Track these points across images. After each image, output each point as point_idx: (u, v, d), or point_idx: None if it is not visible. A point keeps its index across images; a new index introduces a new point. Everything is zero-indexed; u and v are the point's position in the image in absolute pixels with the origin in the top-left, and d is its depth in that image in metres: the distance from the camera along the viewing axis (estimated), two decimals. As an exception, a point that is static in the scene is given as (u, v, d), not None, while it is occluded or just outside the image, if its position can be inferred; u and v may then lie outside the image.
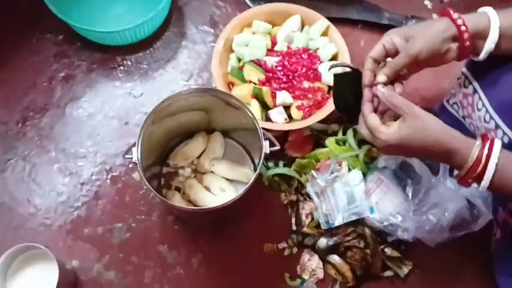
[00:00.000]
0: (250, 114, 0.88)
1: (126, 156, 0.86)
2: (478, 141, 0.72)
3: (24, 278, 0.89)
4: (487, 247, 1.00)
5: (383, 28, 1.19)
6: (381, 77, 0.77)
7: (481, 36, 0.76)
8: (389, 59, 0.80)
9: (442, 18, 0.78)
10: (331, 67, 0.85)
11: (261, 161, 0.85)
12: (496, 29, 0.75)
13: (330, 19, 1.13)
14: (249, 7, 1.20)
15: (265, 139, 0.86)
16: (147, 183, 0.82)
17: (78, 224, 1.02)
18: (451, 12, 0.77)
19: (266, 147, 0.86)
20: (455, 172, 0.79)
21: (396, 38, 0.78)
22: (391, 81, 0.79)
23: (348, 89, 0.85)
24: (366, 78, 0.79)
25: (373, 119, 0.76)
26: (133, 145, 0.84)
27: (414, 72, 0.81)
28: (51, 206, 1.03)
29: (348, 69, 0.85)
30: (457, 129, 0.76)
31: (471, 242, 0.97)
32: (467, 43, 0.76)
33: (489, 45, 0.76)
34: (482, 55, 0.78)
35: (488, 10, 0.77)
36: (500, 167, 0.70)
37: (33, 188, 1.04)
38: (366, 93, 0.79)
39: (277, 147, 0.89)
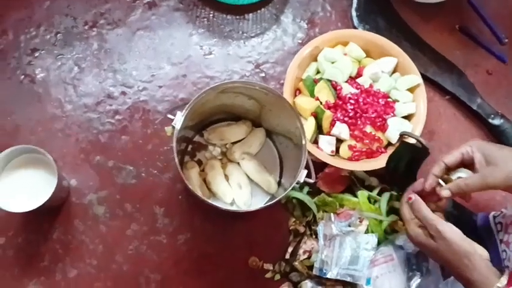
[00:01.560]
0: (301, 131, 0.83)
1: (169, 115, 0.82)
2: (501, 283, 0.67)
3: (21, 178, 0.87)
4: None
5: (468, 111, 1.13)
6: (445, 192, 0.75)
7: None
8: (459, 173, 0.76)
9: None
10: (405, 134, 0.80)
11: (292, 186, 0.81)
12: None
13: (423, 76, 1.06)
14: (353, 26, 1.14)
15: (305, 168, 0.82)
16: (176, 154, 0.79)
17: (93, 148, 1.00)
18: None
19: (302, 175, 0.82)
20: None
21: (478, 154, 0.74)
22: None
23: (407, 160, 0.81)
24: (429, 181, 0.77)
25: (406, 210, 0.77)
26: (180, 110, 0.81)
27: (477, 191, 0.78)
28: (78, 119, 1.01)
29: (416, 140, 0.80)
30: (488, 249, 0.73)
31: None
32: None
33: None
34: None
35: None
36: None
37: (70, 93, 1.02)
38: (432, 179, 0.77)
39: (312, 181, 0.84)
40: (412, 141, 0.84)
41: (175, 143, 0.79)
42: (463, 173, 0.76)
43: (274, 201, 0.80)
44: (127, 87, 1.04)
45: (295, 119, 0.85)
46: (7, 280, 0.93)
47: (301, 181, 0.82)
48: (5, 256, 0.94)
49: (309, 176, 0.84)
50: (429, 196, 0.78)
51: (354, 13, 1.15)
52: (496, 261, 0.77)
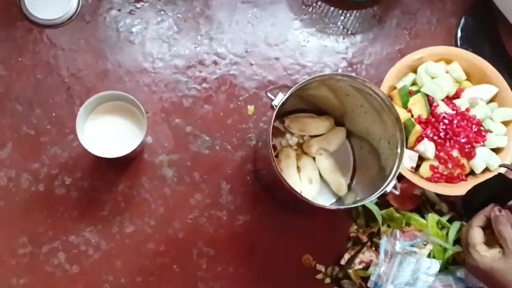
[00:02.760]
0: (399, 149, 0.81)
1: (269, 94, 0.80)
2: None
3: (109, 124, 0.87)
4: None
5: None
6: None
7: None
8: None
9: None
10: (504, 166, 0.76)
11: (379, 193, 0.79)
12: None
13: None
14: (456, 46, 1.10)
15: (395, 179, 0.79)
16: (270, 137, 0.77)
17: (175, 110, 1.00)
18: None
19: (390, 185, 0.79)
20: None
21: None
22: None
23: (491, 193, 0.77)
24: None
25: (477, 233, 0.75)
26: (284, 91, 0.79)
27: None
28: (166, 78, 1.01)
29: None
30: None
31: None
32: None
33: None
34: None
35: None
36: None
37: (164, 50, 1.02)
38: (488, 208, 0.77)
39: (397, 193, 0.81)
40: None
41: (272, 124, 0.77)
42: None
43: (358, 204, 0.78)
44: (220, 57, 1.03)
45: (395, 125, 0.82)
46: (65, 220, 0.93)
47: (388, 191, 0.79)
48: (68, 196, 0.94)
49: (394, 188, 0.81)
50: None
51: (459, 33, 1.11)
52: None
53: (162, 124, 0.98)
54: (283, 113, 1.01)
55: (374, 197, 0.79)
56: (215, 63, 1.02)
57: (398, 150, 0.81)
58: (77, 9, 1.00)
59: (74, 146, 0.95)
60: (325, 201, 0.98)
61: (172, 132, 0.98)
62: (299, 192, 0.94)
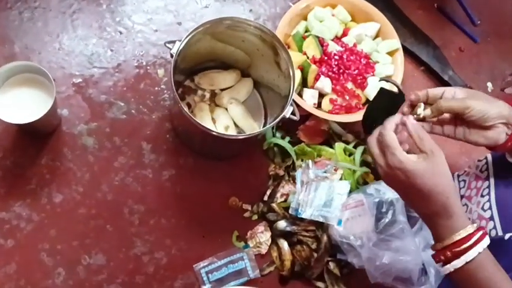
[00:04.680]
0: (292, 75, 0.90)
1: (168, 45, 0.87)
2: (475, 224, 0.69)
3: (20, 94, 0.90)
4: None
5: (440, 82, 1.22)
6: (427, 111, 0.74)
7: None
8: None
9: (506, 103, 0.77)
10: (383, 79, 0.86)
11: (277, 120, 0.87)
12: None
13: (401, 46, 1.14)
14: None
15: (291, 105, 0.88)
16: (173, 84, 0.83)
17: (87, 81, 1.04)
18: None
19: (288, 111, 0.88)
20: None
21: (460, 92, 0.76)
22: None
23: (384, 107, 0.85)
24: (406, 104, 0.77)
25: (395, 136, 0.70)
26: (179, 40, 0.85)
27: (447, 134, 0.80)
28: (74, 52, 1.05)
29: (394, 89, 0.86)
30: None
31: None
32: None
33: None
34: None
35: None
36: (479, 259, 0.67)
37: (68, 27, 1.05)
38: (397, 116, 0.74)
39: (296, 118, 0.90)
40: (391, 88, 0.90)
41: (172, 73, 0.84)
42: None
43: (262, 129, 0.86)
44: (123, 28, 1.08)
45: (284, 54, 0.91)
46: (-8, 199, 0.95)
47: (287, 116, 0.88)
48: (-8, 176, 0.96)
49: (293, 114, 0.90)
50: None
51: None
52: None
53: (75, 97, 1.02)
54: (193, 71, 1.08)
55: (275, 122, 0.87)
56: (120, 33, 1.08)
57: (291, 80, 0.90)
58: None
59: (-9, 128, 0.97)
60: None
61: (87, 103, 1.02)
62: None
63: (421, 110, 0.76)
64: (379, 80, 0.87)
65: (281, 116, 0.87)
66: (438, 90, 0.77)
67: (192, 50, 0.96)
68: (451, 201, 0.68)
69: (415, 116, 0.75)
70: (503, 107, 0.76)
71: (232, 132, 1.04)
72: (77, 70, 1.04)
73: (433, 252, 0.72)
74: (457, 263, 0.68)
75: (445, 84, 1.21)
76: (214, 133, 0.87)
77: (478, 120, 0.74)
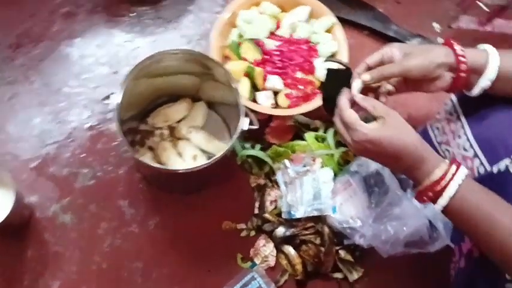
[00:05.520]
0: (236, 89, 0.88)
1: (105, 101, 0.85)
2: (447, 160, 0.71)
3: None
4: (439, 270, 1.01)
5: (388, 39, 1.21)
6: (366, 76, 0.75)
7: (477, 71, 0.76)
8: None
9: (444, 46, 0.78)
10: (327, 60, 0.85)
11: (236, 135, 0.85)
12: (495, 67, 0.75)
13: (339, 19, 1.13)
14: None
15: (245, 116, 0.86)
16: (121, 134, 0.82)
17: (45, 161, 1.02)
18: (453, 42, 0.77)
19: (245, 124, 0.86)
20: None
21: (396, 51, 0.77)
22: (376, 94, 0.80)
23: (337, 86, 0.84)
24: (354, 78, 0.78)
25: (352, 113, 0.73)
26: (114, 92, 0.84)
27: (401, 92, 0.81)
28: (23, 137, 1.03)
29: (341, 67, 0.85)
30: None
31: (424, 262, 0.98)
32: (463, 75, 0.76)
33: (485, 82, 0.76)
34: (477, 91, 0.78)
35: (489, 48, 0.76)
36: (461, 190, 0.69)
37: (10, 115, 1.04)
38: (347, 91, 0.77)
39: (256, 127, 0.89)
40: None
41: (119, 120, 0.82)
42: None
43: (225, 150, 0.84)
44: (63, 96, 1.07)
45: (219, 69, 0.90)
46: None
47: (245, 128, 0.86)
48: (-18, 287, 0.94)
49: (251, 124, 0.88)
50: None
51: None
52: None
53: (39, 180, 1.00)
54: (145, 113, 1.06)
55: (234, 138, 0.85)
56: (61, 102, 1.06)
57: (236, 92, 0.88)
58: None
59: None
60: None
61: (52, 182, 1.00)
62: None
63: (364, 76, 0.76)
64: (324, 61, 0.86)
65: (238, 131, 0.85)
66: (376, 57, 0.78)
67: (133, 95, 0.94)
68: (419, 150, 0.70)
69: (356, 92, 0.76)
70: (441, 54, 0.75)
71: (201, 160, 1.02)
72: (32, 154, 1.02)
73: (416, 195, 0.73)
74: (442, 201, 0.69)
75: (393, 40, 1.19)
76: (181, 171, 0.85)
77: (421, 77, 0.75)
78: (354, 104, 0.76)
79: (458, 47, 0.76)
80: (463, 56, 0.75)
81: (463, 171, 0.69)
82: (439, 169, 0.70)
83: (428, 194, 0.70)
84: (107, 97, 0.85)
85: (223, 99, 1.02)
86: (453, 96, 0.93)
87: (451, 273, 0.98)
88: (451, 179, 0.69)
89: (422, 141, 0.72)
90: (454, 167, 0.69)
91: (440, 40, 1.26)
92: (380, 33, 1.21)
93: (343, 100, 0.76)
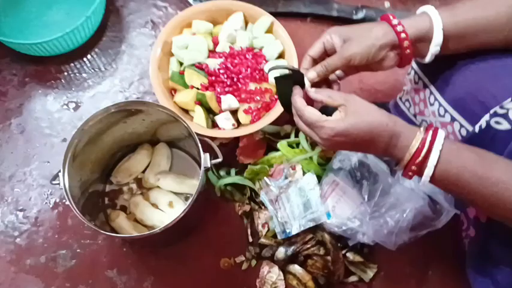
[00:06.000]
0: (185, 125, 0.82)
1: (54, 182, 0.78)
2: (422, 128, 0.67)
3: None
4: (452, 243, 0.96)
5: (333, 20, 1.15)
6: (311, 74, 0.72)
7: (424, 39, 0.71)
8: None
9: (382, 22, 0.72)
10: (269, 70, 0.79)
11: (201, 177, 0.79)
12: (440, 31, 0.70)
13: (278, 14, 1.07)
14: (190, 5, 1.13)
15: (205, 152, 0.80)
16: (78, 213, 0.75)
17: (19, 255, 0.95)
18: (391, 17, 0.72)
19: (206, 161, 0.80)
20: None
21: (336, 37, 0.73)
22: (328, 83, 0.76)
23: (290, 91, 0.79)
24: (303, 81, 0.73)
25: (312, 110, 0.69)
26: (60, 172, 0.77)
27: (351, 74, 0.77)
28: (-6, 241, 0.96)
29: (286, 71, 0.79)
30: None
31: (436, 239, 0.93)
32: (408, 51, 0.71)
33: (434, 48, 0.72)
34: (428, 58, 0.74)
35: (430, 10, 0.71)
36: (444, 155, 0.65)
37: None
38: (296, 90, 0.73)
39: (219, 160, 0.83)
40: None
41: (71, 200, 0.76)
42: None
43: (195, 194, 0.77)
44: (17, 182, 1.00)
45: (160, 109, 0.84)
46: None
47: (208, 165, 0.80)
48: None
49: (215, 157, 0.82)
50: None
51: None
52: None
53: (18, 276, 0.93)
54: (107, 173, 0.99)
55: (200, 179, 0.79)
56: (17, 189, 0.99)
57: (193, 137, 0.82)
58: None
59: None
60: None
61: (32, 274, 0.94)
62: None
63: (309, 74, 0.73)
64: (268, 72, 0.80)
65: (202, 169, 0.79)
66: (318, 48, 0.74)
67: (88, 158, 0.88)
68: (390, 126, 0.66)
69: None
70: (379, 35, 0.71)
71: (178, 204, 0.96)
72: (3, 251, 0.95)
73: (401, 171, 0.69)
74: (428, 171, 0.65)
75: (339, 20, 1.13)
76: (158, 231, 0.79)
77: (366, 63, 0.71)
78: (310, 101, 0.72)
79: (396, 22, 0.71)
80: (403, 32, 0.71)
81: (441, 135, 0.65)
82: (416, 140, 0.66)
83: (412, 168, 0.66)
84: (55, 177, 0.78)
85: (181, 134, 0.96)
86: (414, 64, 0.87)
87: (464, 243, 0.94)
88: (431, 146, 0.64)
89: (391, 117, 0.67)
90: (430, 133, 0.65)
91: (387, 4, 1.20)
92: (323, 16, 1.15)
93: (298, 100, 0.71)
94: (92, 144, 0.87)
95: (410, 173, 0.67)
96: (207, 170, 0.80)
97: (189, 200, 0.78)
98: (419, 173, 0.66)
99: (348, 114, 0.67)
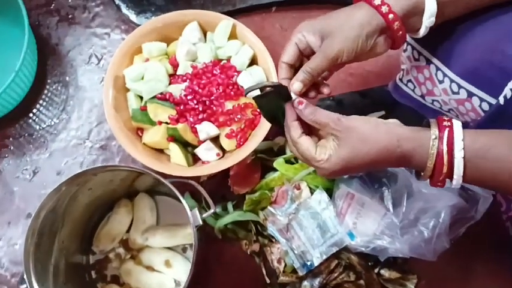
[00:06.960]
0: (156, 177, 0.69)
1: (21, 286, 0.64)
2: (434, 135, 0.56)
3: None
4: (493, 230, 0.84)
5: (300, 4, 1.00)
6: (296, 85, 0.61)
7: (415, 13, 0.60)
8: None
9: (362, 5, 0.60)
10: (246, 93, 0.64)
11: (194, 237, 0.65)
12: (433, 0, 0.59)
13: (237, 12, 0.93)
14: (136, 24, 0.97)
15: (192, 197, 0.67)
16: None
17: None
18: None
19: (196, 218, 0.66)
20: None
21: (310, 36, 0.61)
22: (316, 87, 0.64)
23: (276, 108, 0.65)
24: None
25: (306, 145, 0.60)
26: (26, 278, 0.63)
27: (337, 70, 0.66)
28: None
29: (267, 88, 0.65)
30: (415, 111, 0.64)
31: (474, 230, 0.80)
32: (399, 33, 0.60)
33: (428, 20, 0.60)
34: (422, 32, 0.62)
35: None
36: (469, 156, 0.56)
37: None
38: (288, 110, 0.62)
39: (212, 211, 0.69)
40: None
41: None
42: None
43: (193, 256, 0.64)
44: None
45: (137, 170, 0.70)
46: None
47: (200, 223, 0.66)
48: None
49: (207, 207, 0.68)
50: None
51: (129, 15, 0.99)
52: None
53: None
54: (88, 242, 0.85)
55: (194, 237, 0.65)
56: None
57: (177, 194, 0.68)
58: None
59: None
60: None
61: None
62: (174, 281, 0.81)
63: (295, 86, 0.61)
64: (245, 95, 0.65)
65: (194, 230, 0.65)
66: (291, 52, 0.63)
67: (54, 239, 0.74)
68: (393, 149, 0.58)
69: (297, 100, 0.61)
70: (364, 21, 0.59)
71: (176, 260, 0.83)
72: None
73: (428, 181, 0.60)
74: (458, 177, 0.57)
75: (307, 2, 0.99)
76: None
77: (355, 56, 0.61)
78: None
79: (378, 1, 0.59)
80: (390, 13, 0.59)
81: (458, 136, 0.56)
82: (431, 155, 0.56)
83: (439, 178, 0.58)
84: (21, 281, 0.64)
85: (159, 183, 0.81)
86: (409, 38, 0.74)
87: (507, 226, 0.82)
88: (450, 151, 0.56)
89: (391, 133, 0.58)
90: (445, 135, 0.56)
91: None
92: (289, 1, 1.00)
93: (291, 129, 0.61)
94: (60, 220, 0.73)
95: (439, 184, 0.59)
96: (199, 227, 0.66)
97: (191, 262, 0.65)
98: (450, 178, 0.58)
99: (340, 148, 0.59)
